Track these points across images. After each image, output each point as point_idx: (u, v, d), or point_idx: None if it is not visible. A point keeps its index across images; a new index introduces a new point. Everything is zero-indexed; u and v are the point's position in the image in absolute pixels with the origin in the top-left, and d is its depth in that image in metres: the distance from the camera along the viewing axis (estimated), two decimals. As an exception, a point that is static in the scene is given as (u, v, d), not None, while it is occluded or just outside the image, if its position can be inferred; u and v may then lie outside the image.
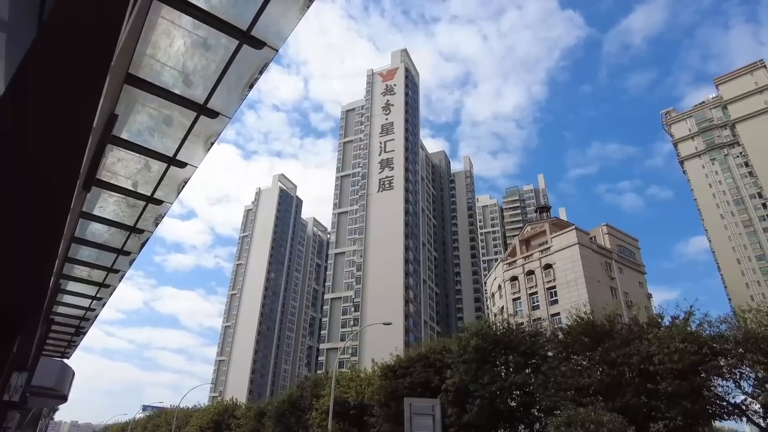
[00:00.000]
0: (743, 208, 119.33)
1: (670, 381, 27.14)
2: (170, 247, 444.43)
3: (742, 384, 27.13)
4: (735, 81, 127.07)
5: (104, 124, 5.51)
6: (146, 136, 6.37)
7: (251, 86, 5.52)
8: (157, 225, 8.60)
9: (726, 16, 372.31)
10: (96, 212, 8.17)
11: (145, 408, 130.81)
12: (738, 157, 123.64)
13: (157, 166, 6.86)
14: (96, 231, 8.88)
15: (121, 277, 11.18)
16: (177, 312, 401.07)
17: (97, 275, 10.99)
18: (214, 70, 5.35)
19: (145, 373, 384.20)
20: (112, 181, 7.19)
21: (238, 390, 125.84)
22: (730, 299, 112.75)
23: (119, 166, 6.81)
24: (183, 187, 7.42)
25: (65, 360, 22.19)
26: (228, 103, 5.81)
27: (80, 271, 10.78)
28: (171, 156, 6.62)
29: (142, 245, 9.42)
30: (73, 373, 23.18)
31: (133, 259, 10.12)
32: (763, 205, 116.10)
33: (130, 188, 7.42)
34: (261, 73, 5.30)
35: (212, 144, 6.45)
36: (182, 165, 6.76)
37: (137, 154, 6.59)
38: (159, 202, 7.80)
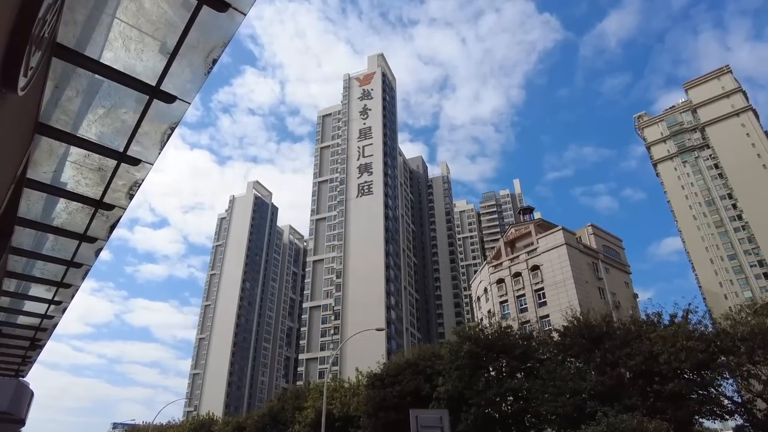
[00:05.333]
0: (714, 209, 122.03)
1: (677, 381, 26.16)
2: (142, 257, 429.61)
3: (751, 382, 26.20)
4: (703, 86, 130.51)
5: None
6: (117, 50, 4.28)
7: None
8: (131, 198, 6.43)
9: (694, 21, 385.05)
10: (48, 180, 6.04)
11: (115, 426, 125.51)
12: (708, 159, 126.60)
13: (134, 102, 4.77)
14: (49, 208, 6.74)
15: (85, 274, 8.91)
16: (149, 324, 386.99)
17: (54, 271, 8.72)
18: None
19: (116, 388, 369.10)
20: (67, 129, 5.08)
21: (213, 404, 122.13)
22: (704, 298, 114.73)
23: (78, 101, 4.73)
24: (169, 137, 5.25)
25: (21, 379, 19.45)
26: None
27: (30, 267, 8.51)
28: (154, 85, 4.57)
29: (112, 228, 7.22)
30: (32, 394, 20.41)
31: (100, 249, 7.89)
32: (733, 205, 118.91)
33: (95, 140, 5.24)
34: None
35: (214, 63, 4.38)
36: (170, 99, 4.65)
37: (105, 79, 4.46)
38: (136, 162, 5.52)
